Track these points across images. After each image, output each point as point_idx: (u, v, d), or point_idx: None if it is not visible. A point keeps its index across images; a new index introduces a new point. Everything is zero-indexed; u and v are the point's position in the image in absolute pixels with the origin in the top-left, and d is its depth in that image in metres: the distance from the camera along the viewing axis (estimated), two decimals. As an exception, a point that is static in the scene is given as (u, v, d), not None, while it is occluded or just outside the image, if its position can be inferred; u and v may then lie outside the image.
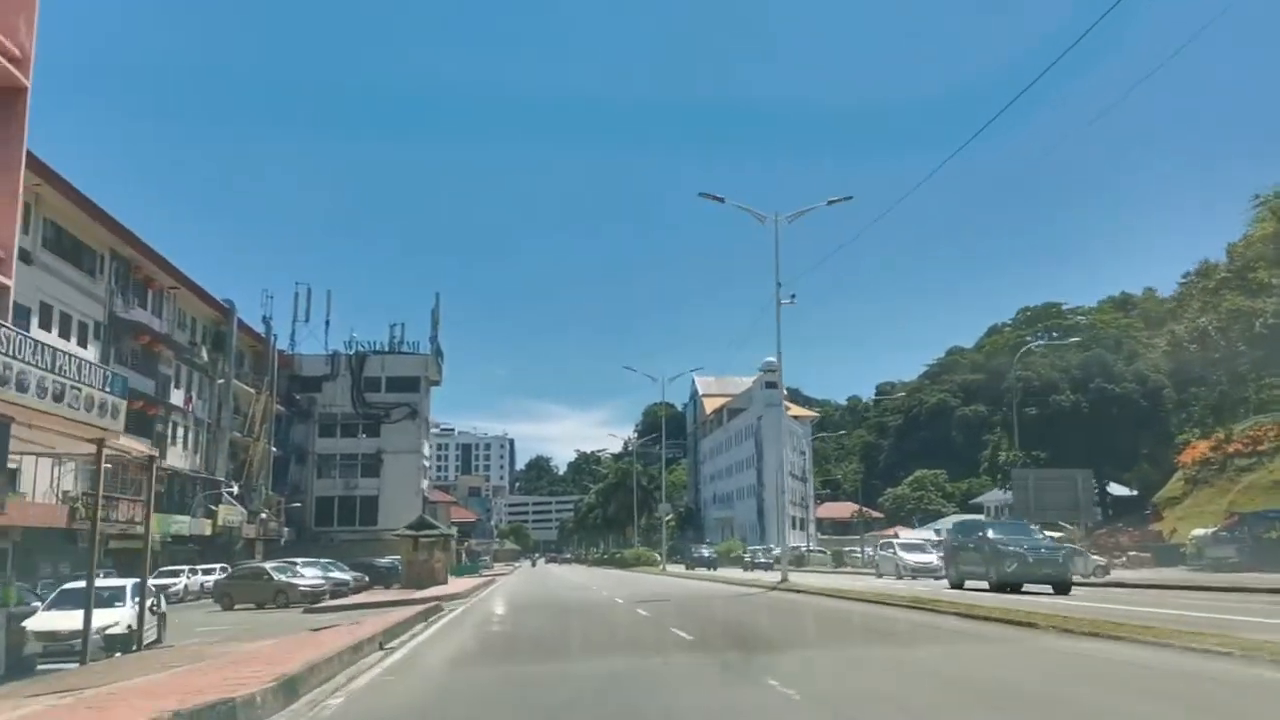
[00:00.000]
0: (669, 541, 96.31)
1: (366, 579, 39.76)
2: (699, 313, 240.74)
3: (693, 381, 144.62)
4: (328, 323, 70.21)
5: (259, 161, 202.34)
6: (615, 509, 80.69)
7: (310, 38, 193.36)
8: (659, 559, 67.07)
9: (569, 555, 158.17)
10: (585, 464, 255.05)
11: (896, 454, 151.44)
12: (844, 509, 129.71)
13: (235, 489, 55.50)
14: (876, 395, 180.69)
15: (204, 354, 53.40)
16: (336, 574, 34.47)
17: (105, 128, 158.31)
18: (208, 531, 49.16)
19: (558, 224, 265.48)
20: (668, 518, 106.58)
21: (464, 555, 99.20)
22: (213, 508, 50.23)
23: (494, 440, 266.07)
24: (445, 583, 41.77)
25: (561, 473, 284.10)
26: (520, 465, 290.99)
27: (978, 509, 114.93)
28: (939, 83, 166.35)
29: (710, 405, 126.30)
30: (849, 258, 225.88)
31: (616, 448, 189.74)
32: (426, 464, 73.13)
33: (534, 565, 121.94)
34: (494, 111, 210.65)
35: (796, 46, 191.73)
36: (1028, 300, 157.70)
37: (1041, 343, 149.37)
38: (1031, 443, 68.12)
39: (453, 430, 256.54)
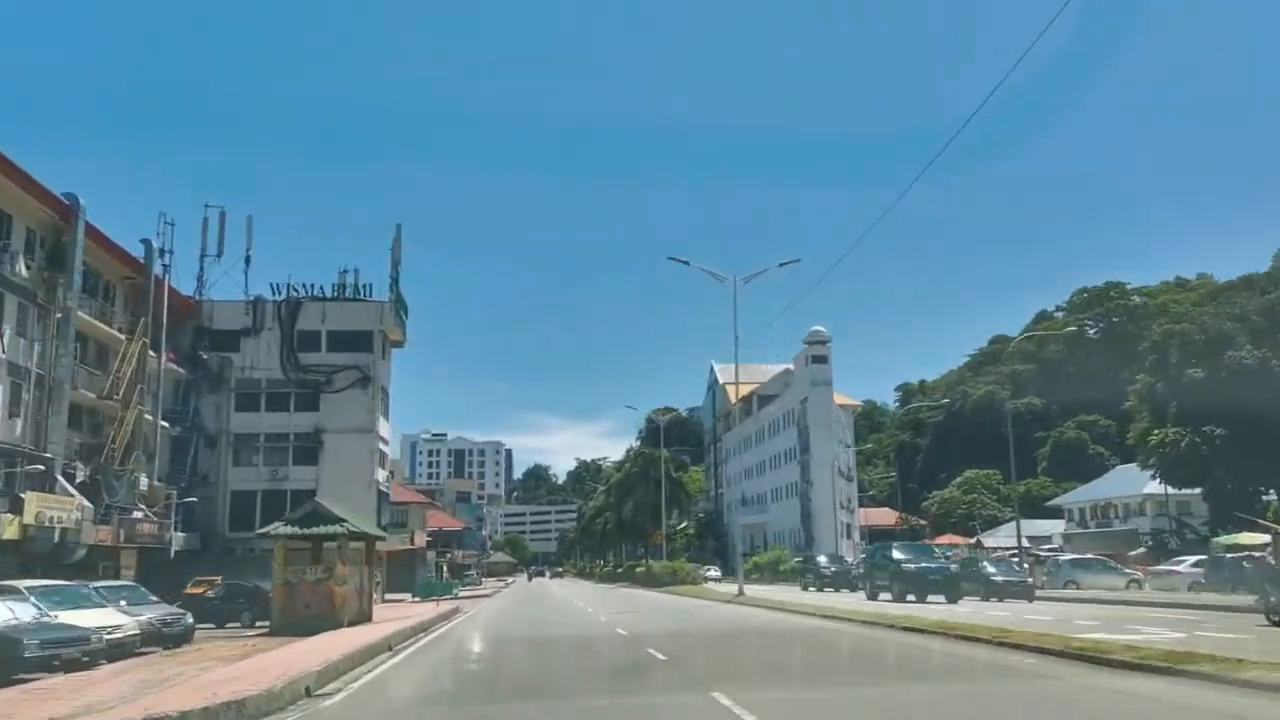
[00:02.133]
0: (684, 554, 78.06)
1: (189, 619, 21.30)
2: (704, 317, 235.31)
3: (711, 370, 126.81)
4: (248, 259, 52.46)
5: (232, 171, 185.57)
6: (633, 510, 62.55)
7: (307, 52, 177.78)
8: (710, 575, 49.69)
9: (560, 569, 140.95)
10: (586, 472, 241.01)
11: (936, 454, 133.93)
12: (883, 515, 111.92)
13: (81, 472, 37.48)
14: (901, 396, 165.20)
15: (23, 268, 35.38)
16: (52, 616, 15.63)
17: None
18: (9, 534, 31.01)
19: (558, 233, 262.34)
20: (681, 526, 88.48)
21: (444, 570, 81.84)
22: (21, 495, 32.12)
23: (489, 446, 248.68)
24: (367, 618, 23.78)
25: (561, 481, 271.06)
26: (518, 478, 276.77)
27: (1055, 513, 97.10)
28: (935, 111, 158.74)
29: (736, 393, 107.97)
30: (858, 262, 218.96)
31: (618, 455, 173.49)
32: (384, 448, 55.07)
33: (530, 580, 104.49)
34: (484, 126, 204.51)
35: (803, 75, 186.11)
36: (1081, 282, 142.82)
37: (1099, 327, 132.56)
38: (1198, 416, 50.41)
39: (445, 435, 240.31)
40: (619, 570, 66.98)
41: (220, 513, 49.94)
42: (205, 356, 50.52)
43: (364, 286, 53.23)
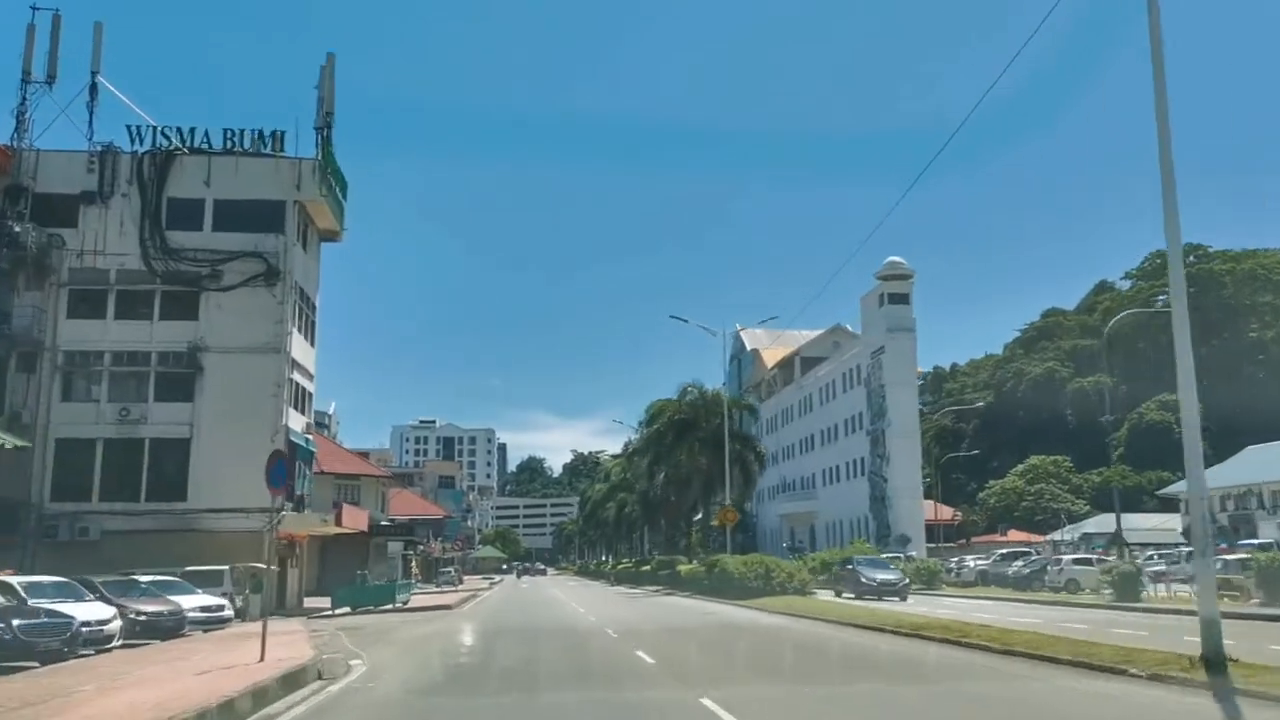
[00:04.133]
0: (704, 551, 59.59)
1: None
2: (711, 306, 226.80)
3: (735, 338, 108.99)
4: (95, 87, 34.38)
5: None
6: (668, 482, 43.52)
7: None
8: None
9: (544, 567, 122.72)
10: (583, 465, 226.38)
11: (985, 440, 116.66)
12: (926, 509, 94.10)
13: None
14: (929, 381, 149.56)
15: None
16: None
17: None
18: None
19: (552, 232, 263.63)
20: (697, 516, 69.02)
21: (413, 566, 64.11)
22: None
23: (480, 434, 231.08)
24: None
25: (556, 475, 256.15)
26: (511, 471, 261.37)
27: (1168, 503, 79.64)
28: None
29: (771, 358, 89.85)
30: (878, 250, 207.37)
31: (616, 449, 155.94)
32: (305, 382, 36.89)
33: (519, 578, 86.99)
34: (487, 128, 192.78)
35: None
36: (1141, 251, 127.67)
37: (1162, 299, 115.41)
38: None
39: (433, 422, 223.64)
40: (645, 569, 48.04)
41: (38, 472, 31.94)
42: (18, 230, 32.36)
43: (273, 136, 35.00)
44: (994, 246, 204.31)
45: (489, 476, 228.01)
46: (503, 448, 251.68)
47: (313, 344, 38.05)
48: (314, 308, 38.17)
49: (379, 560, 59.27)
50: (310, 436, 36.92)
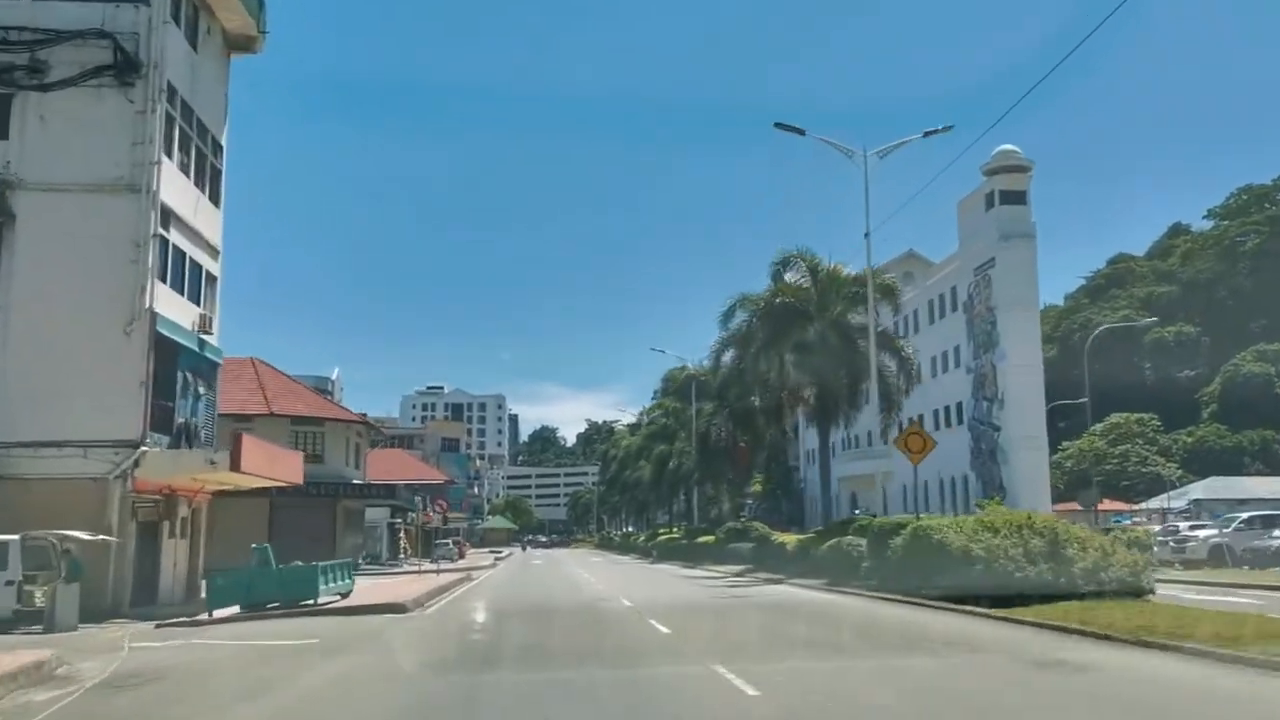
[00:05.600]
0: (743, 519, 45.70)
1: None
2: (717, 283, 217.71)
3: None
4: None
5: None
6: (738, 419, 29.58)
7: None
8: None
9: (544, 539, 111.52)
10: (598, 435, 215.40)
11: (1050, 396, 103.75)
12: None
13: None
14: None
15: None
16: None
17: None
18: None
19: (560, 207, 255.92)
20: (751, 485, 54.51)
21: (401, 538, 52.45)
22: None
23: (490, 400, 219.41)
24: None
25: (569, 445, 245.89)
26: (523, 441, 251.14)
27: (1274, 464, 67.24)
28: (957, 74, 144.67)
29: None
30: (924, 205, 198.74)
31: (630, 418, 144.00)
32: (199, 255, 23.86)
33: (524, 550, 75.65)
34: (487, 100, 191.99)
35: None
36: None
37: (1260, 236, 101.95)
38: None
39: (441, 388, 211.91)
40: (703, 540, 33.93)
41: None
42: None
43: None
44: (1043, 193, 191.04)
45: (500, 445, 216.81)
46: (514, 418, 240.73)
47: (216, 201, 24.95)
48: (218, 147, 25.04)
49: (352, 530, 46.79)
50: (207, 338, 23.87)
